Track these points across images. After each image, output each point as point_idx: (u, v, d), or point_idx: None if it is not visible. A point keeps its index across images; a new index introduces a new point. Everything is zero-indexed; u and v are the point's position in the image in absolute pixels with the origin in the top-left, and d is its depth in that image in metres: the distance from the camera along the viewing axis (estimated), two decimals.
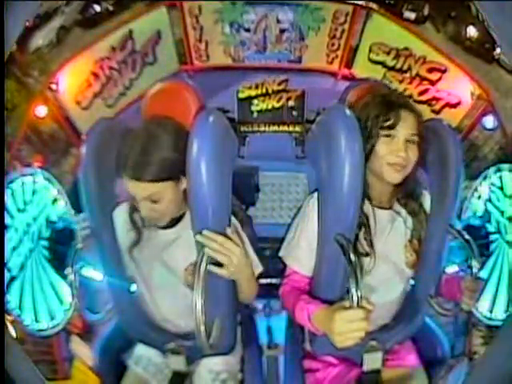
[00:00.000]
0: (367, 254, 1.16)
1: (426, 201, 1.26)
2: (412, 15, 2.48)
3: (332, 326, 0.96)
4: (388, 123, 1.11)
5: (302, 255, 1.20)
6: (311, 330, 1.14)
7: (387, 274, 1.21)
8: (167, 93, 1.29)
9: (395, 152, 1.11)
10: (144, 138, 1.14)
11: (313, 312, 1.09)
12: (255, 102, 2.56)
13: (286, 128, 2.58)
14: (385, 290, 1.22)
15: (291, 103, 2.58)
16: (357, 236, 1.14)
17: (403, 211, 1.22)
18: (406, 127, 1.11)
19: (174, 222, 1.23)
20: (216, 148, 1.08)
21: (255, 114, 2.58)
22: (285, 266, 1.28)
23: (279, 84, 2.59)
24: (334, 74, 2.73)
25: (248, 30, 2.68)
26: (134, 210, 1.23)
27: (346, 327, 0.94)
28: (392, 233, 1.20)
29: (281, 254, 1.28)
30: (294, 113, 2.58)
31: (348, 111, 1.11)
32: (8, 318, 1.68)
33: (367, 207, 1.17)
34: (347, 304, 0.97)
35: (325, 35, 2.65)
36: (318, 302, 1.11)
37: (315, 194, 1.18)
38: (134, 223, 1.24)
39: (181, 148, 1.10)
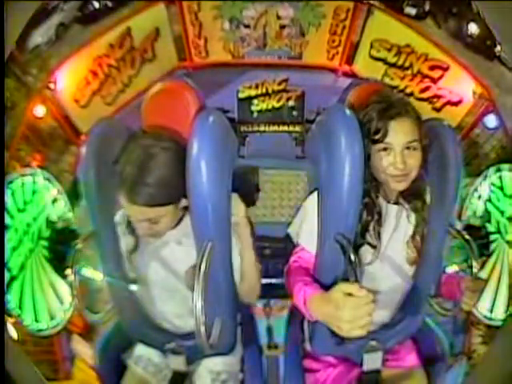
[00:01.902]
0: (374, 246, 1.16)
1: (429, 197, 1.26)
2: (413, 11, 2.47)
3: (340, 314, 0.91)
4: (377, 136, 1.10)
5: (309, 233, 1.19)
6: (305, 314, 1.10)
7: (387, 270, 1.21)
8: (167, 93, 1.28)
9: (393, 165, 1.10)
10: (141, 157, 1.08)
11: (310, 296, 1.05)
12: (255, 101, 2.54)
13: (286, 128, 2.57)
14: (384, 288, 1.22)
15: (291, 103, 2.57)
16: (367, 226, 1.14)
17: (407, 207, 1.22)
18: (401, 138, 1.10)
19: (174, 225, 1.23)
20: (216, 148, 1.07)
21: (255, 114, 2.56)
22: (285, 264, 1.27)
23: (279, 84, 2.58)
24: (334, 71, 2.72)
25: (248, 26, 2.66)
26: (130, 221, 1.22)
27: (358, 313, 0.90)
28: (396, 229, 1.21)
29: (289, 230, 1.29)
30: (294, 113, 2.57)
31: (348, 111, 1.10)
32: (10, 319, 1.68)
33: (381, 200, 1.18)
34: (348, 289, 0.93)
35: (325, 31, 2.63)
36: (316, 286, 1.07)
37: (316, 192, 1.17)
38: (132, 229, 1.23)
39: (180, 167, 1.06)
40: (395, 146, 1.10)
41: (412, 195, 1.21)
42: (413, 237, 1.22)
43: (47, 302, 1.89)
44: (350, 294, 0.92)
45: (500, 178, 2.15)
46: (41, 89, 2.04)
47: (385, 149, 1.11)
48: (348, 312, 0.91)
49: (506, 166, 2.14)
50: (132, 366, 1.36)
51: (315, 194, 1.17)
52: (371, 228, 1.15)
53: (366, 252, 1.17)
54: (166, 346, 1.30)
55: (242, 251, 1.22)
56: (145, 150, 1.09)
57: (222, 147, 1.10)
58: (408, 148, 1.11)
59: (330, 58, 2.69)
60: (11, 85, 1.90)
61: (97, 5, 2.27)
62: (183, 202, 1.14)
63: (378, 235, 1.16)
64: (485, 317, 2.08)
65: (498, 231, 2.15)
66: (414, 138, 1.11)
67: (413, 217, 1.22)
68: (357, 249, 1.13)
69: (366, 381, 1.26)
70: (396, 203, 1.21)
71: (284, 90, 2.57)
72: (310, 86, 2.60)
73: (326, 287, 1.11)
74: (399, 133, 1.10)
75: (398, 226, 1.21)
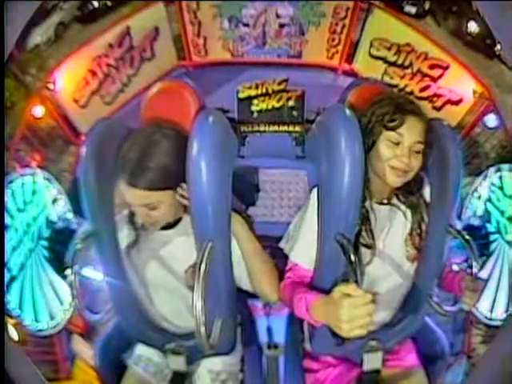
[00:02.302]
0: (370, 247, 1.16)
1: (427, 192, 1.25)
2: (413, 9, 2.48)
3: (339, 314, 0.91)
4: (392, 124, 1.11)
5: (302, 249, 1.20)
6: (310, 321, 1.11)
7: (386, 271, 1.21)
8: (167, 93, 1.27)
9: (399, 157, 1.11)
10: (144, 143, 1.11)
11: (311, 302, 1.06)
12: (255, 102, 2.54)
13: (285, 128, 2.57)
14: (383, 287, 1.22)
15: (291, 103, 2.57)
16: (359, 230, 1.14)
17: (402, 205, 1.22)
18: (411, 134, 1.11)
19: (173, 223, 1.23)
20: (216, 148, 1.07)
21: (255, 114, 2.57)
22: (285, 264, 1.27)
23: (279, 84, 2.57)
24: (334, 70, 2.72)
25: (247, 25, 2.66)
26: (132, 212, 1.22)
27: (356, 313, 0.90)
28: (392, 228, 1.20)
29: (281, 245, 1.27)
30: (294, 113, 2.57)
31: (348, 111, 1.10)
32: (10, 321, 1.68)
33: (368, 203, 1.17)
34: (347, 290, 0.93)
35: (325, 30, 2.63)
36: (317, 292, 1.09)
37: (315, 189, 1.17)
38: (133, 224, 1.23)
39: (181, 155, 1.07)
40: (405, 140, 1.11)
41: (407, 192, 1.21)
42: (410, 233, 1.22)
43: (47, 302, 1.89)
44: (348, 295, 0.93)
45: (500, 177, 2.15)
46: (40, 89, 2.04)
47: (393, 141, 1.11)
48: (347, 312, 0.91)
49: (505, 166, 2.14)
50: (132, 366, 1.36)
51: (315, 199, 1.17)
52: (363, 229, 1.15)
53: (364, 253, 1.17)
54: (166, 346, 1.30)
55: (247, 257, 1.21)
56: (148, 136, 1.12)
57: (222, 147, 1.09)
58: (415, 148, 1.11)
59: (330, 57, 2.69)
60: (11, 84, 1.90)
61: (96, 4, 2.27)
62: (181, 189, 1.14)
63: (372, 235, 1.16)
64: (485, 317, 2.09)
65: (498, 231, 2.15)
66: (422, 140, 1.12)
67: (409, 213, 1.22)
68: (355, 250, 1.13)
69: (366, 381, 1.26)
70: (388, 203, 1.21)
71: (284, 90, 2.56)
72: (310, 84, 2.60)
73: (327, 288, 1.12)
74: (413, 129, 1.11)
75: (393, 225, 1.21)
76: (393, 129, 1.11)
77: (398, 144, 1.11)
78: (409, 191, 1.21)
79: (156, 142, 1.11)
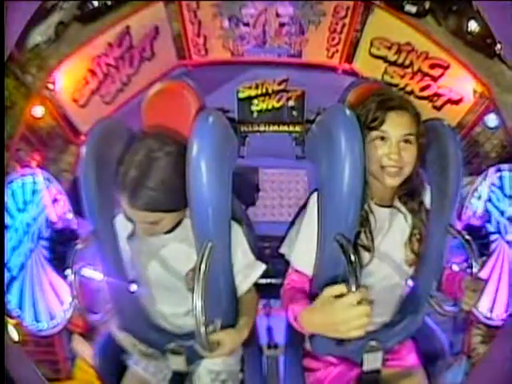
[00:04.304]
0: (368, 249, 1.15)
1: (427, 198, 1.25)
2: (413, 8, 2.46)
3: (333, 317, 0.90)
4: (374, 124, 1.11)
5: (303, 254, 1.19)
6: (299, 330, 1.10)
7: (385, 272, 1.21)
8: (167, 93, 1.27)
9: (388, 155, 1.10)
10: (144, 160, 1.08)
11: (298, 313, 1.05)
12: (255, 101, 2.55)
13: (286, 128, 2.57)
14: (382, 288, 1.22)
15: (291, 103, 2.58)
16: (358, 231, 1.14)
17: (403, 208, 1.21)
18: (397, 129, 1.10)
19: (173, 227, 1.23)
20: (216, 148, 1.07)
21: (255, 114, 2.57)
22: (286, 264, 1.27)
23: (279, 84, 2.58)
24: (334, 69, 2.72)
25: (247, 24, 2.66)
26: None
27: (351, 312, 0.89)
28: (391, 230, 1.20)
29: (282, 250, 1.27)
30: (294, 113, 2.58)
31: (348, 111, 1.10)
32: (10, 321, 1.68)
33: (367, 204, 1.17)
34: (335, 291, 0.92)
35: (325, 29, 2.63)
36: (303, 302, 1.08)
37: (316, 193, 1.17)
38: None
39: (183, 174, 1.06)
40: (391, 136, 1.10)
41: (409, 196, 1.21)
42: (410, 238, 1.22)
43: (47, 302, 1.89)
44: (339, 296, 0.91)
45: (500, 177, 2.16)
46: (40, 88, 2.04)
47: (382, 138, 1.11)
48: (341, 313, 0.90)
49: (506, 166, 2.14)
50: (132, 366, 1.36)
51: (314, 205, 1.16)
52: (362, 231, 1.15)
53: (363, 255, 1.16)
54: (166, 346, 1.30)
55: None
56: (148, 153, 1.09)
57: (222, 147, 1.10)
58: (404, 141, 1.11)
59: (330, 56, 2.68)
60: (11, 84, 1.90)
61: (96, 3, 2.26)
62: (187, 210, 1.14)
63: (371, 238, 1.16)
64: (485, 317, 2.09)
65: (498, 231, 2.16)
66: (410, 132, 1.12)
67: (409, 218, 1.22)
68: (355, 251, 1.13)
69: (366, 381, 1.26)
70: (389, 206, 1.21)
71: (284, 90, 2.57)
72: (310, 84, 2.60)
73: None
74: (397, 124, 1.10)
75: (393, 227, 1.20)
76: (376, 128, 1.11)
77: (385, 142, 1.11)
78: (410, 195, 1.21)
79: (156, 160, 1.08)
